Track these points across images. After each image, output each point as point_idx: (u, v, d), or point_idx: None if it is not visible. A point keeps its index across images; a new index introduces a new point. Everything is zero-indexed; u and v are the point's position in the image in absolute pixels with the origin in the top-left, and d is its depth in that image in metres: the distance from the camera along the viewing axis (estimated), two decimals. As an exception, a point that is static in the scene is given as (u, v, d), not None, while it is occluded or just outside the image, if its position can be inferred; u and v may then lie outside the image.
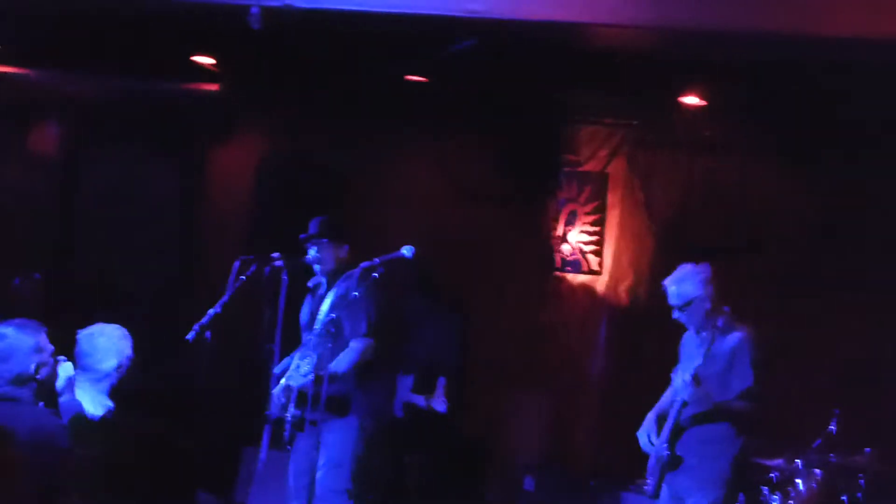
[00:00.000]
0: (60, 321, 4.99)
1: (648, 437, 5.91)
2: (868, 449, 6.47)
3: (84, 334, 5.08)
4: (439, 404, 7.58)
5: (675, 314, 5.85)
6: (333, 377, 5.73)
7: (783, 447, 7.24)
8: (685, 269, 5.85)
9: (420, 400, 7.74)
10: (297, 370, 5.98)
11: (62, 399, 4.61)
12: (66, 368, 4.72)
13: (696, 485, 5.68)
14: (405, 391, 7.96)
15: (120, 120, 9.15)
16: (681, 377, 5.75)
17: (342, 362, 5.95)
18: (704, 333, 5.78)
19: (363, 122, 9.23)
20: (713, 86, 8.08)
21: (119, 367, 5.03)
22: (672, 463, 5.74)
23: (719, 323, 5.74)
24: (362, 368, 6.09)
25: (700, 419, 5.72)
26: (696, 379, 5.63)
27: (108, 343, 5.05)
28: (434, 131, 9.46)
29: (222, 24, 6.90)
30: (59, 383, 4.63)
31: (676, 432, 5.77)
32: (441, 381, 7.89)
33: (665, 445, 5.77)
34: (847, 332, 8.16)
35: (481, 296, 9.47)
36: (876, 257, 8.01)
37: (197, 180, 9.27)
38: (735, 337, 5.75)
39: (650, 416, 6.02)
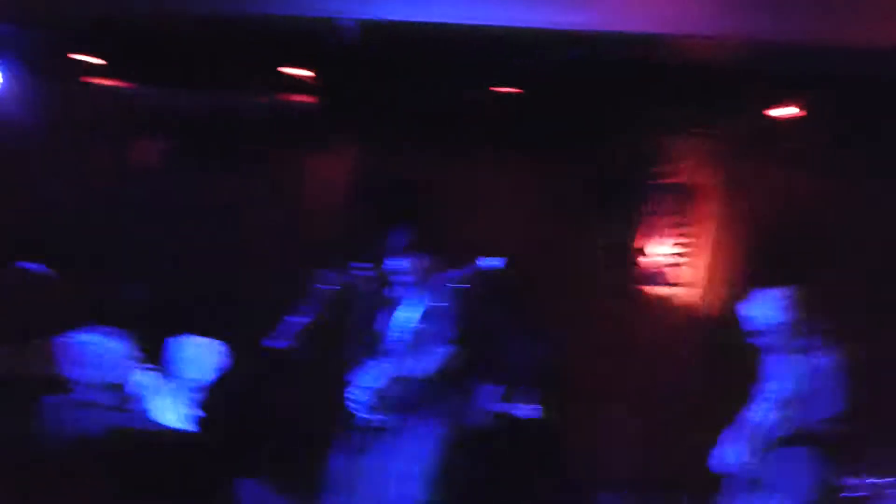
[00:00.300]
0: (148, 330, 5.05)
1: (730, 456, 5.83)
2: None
3: (174, 343, 5.05)
4: (524, 411, 7.58)
5: (757, 339, 5.79)
6: (415, 383, 5.76)
7: (874, 465, 7.14)
8: (767, 294, 5.79)
9: (508, 408, 7.75)
10: (376, 378, 6.01)
11: (143, 407, 4.58)
12: (149, 378, 4.70)
13: None
14: (492, 401, 7.98)
15: (215, 133, 9.33)
16: (765, 401, 5.69)
17: (425, 369, 5.98)
18: (791, 356, 5.72)
19: (454, 133, 9.29)
20: (804, 98, 8.00)
21: (205, 379, 4.97)
22: (752, 485, 5.67)
23: (805, 345, 5.67)
24: (443, 377, 6.11)
25: (783, 442, 5.67)
26: (782, 404, 5.58)
27: (197, 354, 5.03)
28: (522, 143, 9.48)
29: (318, 36, 7.00)
30: (143, 392, 4.61)
31: (758, 454, 5.71)
32: (525, 391, 7.90)
33: (747, 467, 5.69)
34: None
35: (566, 309, 9.45)
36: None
37: (287, 191, 9.38)
38: (823, 360, 5.66)
39: (733, 435, 5.94)
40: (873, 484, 6.72)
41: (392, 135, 9.35)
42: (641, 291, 9.29)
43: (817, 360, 5.65)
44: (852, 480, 6.80)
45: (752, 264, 8.71)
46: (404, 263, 6.33)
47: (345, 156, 9.73)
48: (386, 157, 9.56)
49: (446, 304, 5.94)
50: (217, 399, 5.16)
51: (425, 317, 5.93)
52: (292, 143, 9.56)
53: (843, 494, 6.98)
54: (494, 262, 5.81)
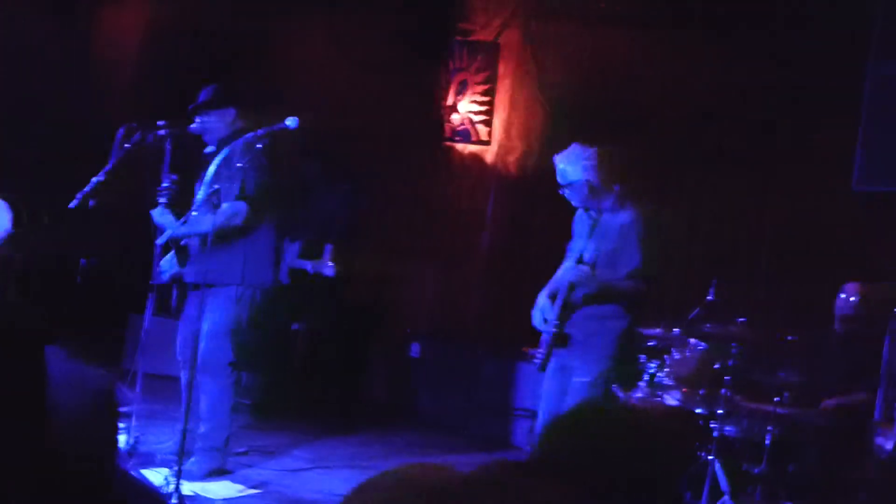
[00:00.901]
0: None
1: (543, 314, 5.99)
2: (741, 319, 6.66)
3: None
4: (327, 269, 7.59)
5: (562, 191, 5.91)
6: (193, 235, 5.67)
7: (662, 317, 7.48)
8: (572, 150, 5.87)
9: (307, 265, 7.74)
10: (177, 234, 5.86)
11: None
12: None
13: (582, 360, 5.80)
14: (292, 257, 7.97)
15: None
16: (569, 259, 5.83)
17: (206, 222, 5.75)
18: (592, 213, 5.85)
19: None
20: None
21: None
22: (560, 340, 5.83)
23: (605, 204, 5.81)
24: (238, 235, 5.98)
25: (588, 300, 5.81)
26: (580, 262, 5.72)
27: None
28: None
29: None
30: None
31: (565, 310, 5.84)
32: (328, 247, 7.91)
33: (555, 323, 5.85)
34: (725, 205, 8.36)
35: (371, 164, 9.47)
36: (760, 131, 8.15)
37: (84, 44, 8.96)
38: (622, 217, 5.79)
39: (543, 294, 6.06)
40: (663, 330, 7.07)
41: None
42: (447, 147, 9.33)
43: (619, 218, 5.78)
44: (644, 328, 7.13)
45: (557, 120, 8.84)
46: (203, 122, 6.12)
47: (143, 9, 9.31)
48: (185, 11, 9.22)
49: (242, 164, 5.75)
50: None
51: (221, 176, 5.73)
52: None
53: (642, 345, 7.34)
54: (291, 121, 5.60)
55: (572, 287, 5.80)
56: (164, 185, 5.79)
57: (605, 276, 5.78)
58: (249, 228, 6.02)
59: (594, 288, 5.75)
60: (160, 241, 5.87)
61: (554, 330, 5.82)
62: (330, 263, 7.60)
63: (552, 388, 5.92)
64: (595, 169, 5.78)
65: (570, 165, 5.81)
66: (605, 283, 5.74)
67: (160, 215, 5.75)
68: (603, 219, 5.79)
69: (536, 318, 6.00)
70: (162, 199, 5.81)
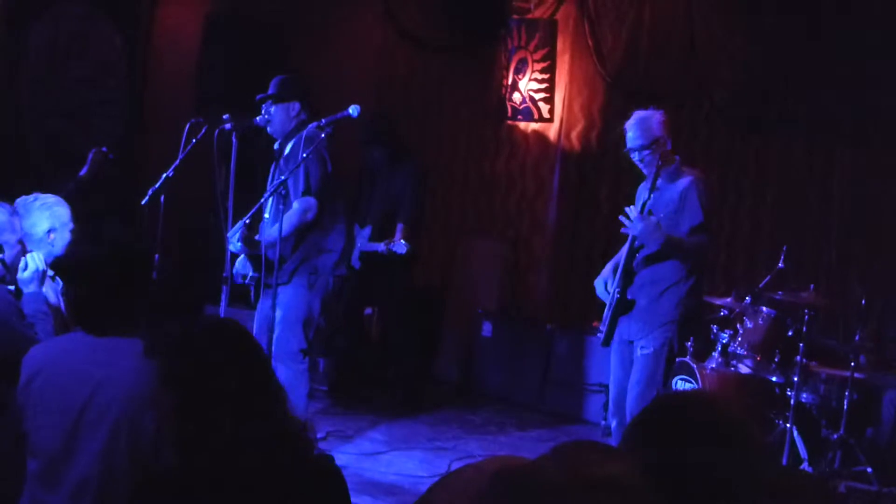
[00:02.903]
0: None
1: (605, 284, 5.96)
2: (812, 285, 6.64)
3: (19, 201, 4.82)
4: (399, 247, 7.62)
5: (636, 156, 5.81)
6: (278, 240, 5.71)
7: (733, 286, 7.46)
8: (640, 114, 5.84)
9: (380, 247, 7.80)
10: (231, 237, 5.94)
11: (27, 290, 4.38)
12: (36, 259, 4.53)
13: (645, 327, 5.75)
14: (363, 242, 8.04)
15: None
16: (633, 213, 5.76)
17: (286, 224, 5.89)
18: (657, 181, 5.82)
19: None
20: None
21: (51, 231, 4.76)
22: (622, 306, 5.79)
23: (670, 168, 5.80)
24: (307, 227, 6.08)
25: (650, 260, 5.74)
26: (644, 211, 5.64)
27: (41, 208, 4.78)
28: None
29: None
30: (25, 274, 4.41)
31: (628, 275, 5.79)
32: (400, 226, 7.97)
33: (617, 290, 5.82)
34: (791, 171, 8.30)
35: (435, 145, 9.53)
36: (818, 95, 8.07)
37: (144, 42, 9.09)
38: (684, 181, 5.74)
39: (608, 266, 6.05)
40: (733, 299, 7.05)
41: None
42: (509, 126, 9.34)
43: (681, 182, 5.74)
44: (715, 298, 7.11)
45: (617, 93, 8.82)
46: (267, 114, 6.20)
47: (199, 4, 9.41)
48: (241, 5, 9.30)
49: (308, 156, 5.81)
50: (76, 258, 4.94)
51: (288, 169, 5.80)
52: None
53: (706, 311, 7.31)
54: (353, 109, 5.64)
55: (633, 250, 5.75)
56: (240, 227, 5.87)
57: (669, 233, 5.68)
58: (321, 220, 6.12)
59: (658, 239, 5.59)
60: (235, 249, 5.97)
61: (617, 296, 5.79)
62: (402, 241, 7.64)
63: (618, 361, 5.90)
64: (663, 129, 5.75)
65: (640, 128, 5.77)
66: (669, 235, 5.61)
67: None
68: (663, 185, 5.75)
69: (599, 288, 5.99)
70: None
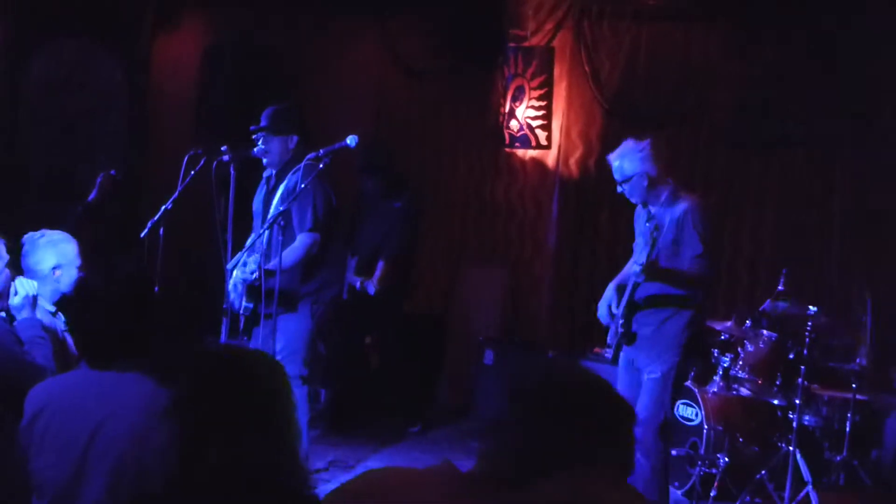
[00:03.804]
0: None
1: (609, 307, 5.99)
2: (813, 307, 6.63)
3: (26, 237, 4.82)
4: (369, 287, 7.66)
5: (619, 188, 5.91)
6: (281, 272, 5.72)
7: (734, 310, 7.46)
8: (626, 145, 5.88)
9: (356, 282, 7.83)
10: (244, 265, 5.95)
11: (20, 317, 4.38)
12: (25, 284, 4.53)
13: (651, 356, 5.81)
14: (350, 273, 8.05)
15: (60, 9, 8.94)
16: (633, 262, 5.82)
17: (288, 257, 5.90)
18: (650, 207, 5.82)
19: (303, 3, 9.13)
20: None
21: (57, 268, 4.75)
22: (627, 338, 5.86)
23: (663, 196, 5.83)
24: (309, 261, 6.12)
25: (653, 301, 5.82)
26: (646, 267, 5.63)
27: (47, 245, 4.77)
28: (377, 9, 9.39)
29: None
30: (16, 300, 4.42)
31: (632, 308, 5.86)
32: (380, 264, 7.94)
33: (621, 322, 5.86)
34: (791, 192, 8.32)
35: (434, 173, 9.55)
36: (818, 114, 8.11)
37: (144, 74, 9.12)
38: (681, 207, 5.76)
39: (610, 287, 6.08)
40: (734, 323, 7.04)
41: (244, 10, 9.13)
42: (507, 154, 9.36)
43: (676, 209, 5.75)
44: (715, 322, 7.11)
45: (615, 119, 8.85)
46: (264, 145, 6.21)
47: (199, 35, 9.44)
48: (240, 36, 9.33)
49: (308, 187, 5.81)
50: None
51: (288, 200, 5.82)
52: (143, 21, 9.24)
53: (706, 335, 7.31)
54: (351, 140, 5.65)
55: (637, 286, 5.80)
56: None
57: (668, 265, 5.75)
58: (325, 252, 6.15)
59: (660, 279, 5.71)
60: (245, 277, 5.97)
61: (621, 329, 5.85)
62: (372, 282, 7.66)
63: (625, 384, 5.93)
64: (651, 160, 5.78)
65: (627, 159, 5.80)
66: (670, 270, 5.71)
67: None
68: (658, 213, 5.76)
69: (602, 310, 6.03)
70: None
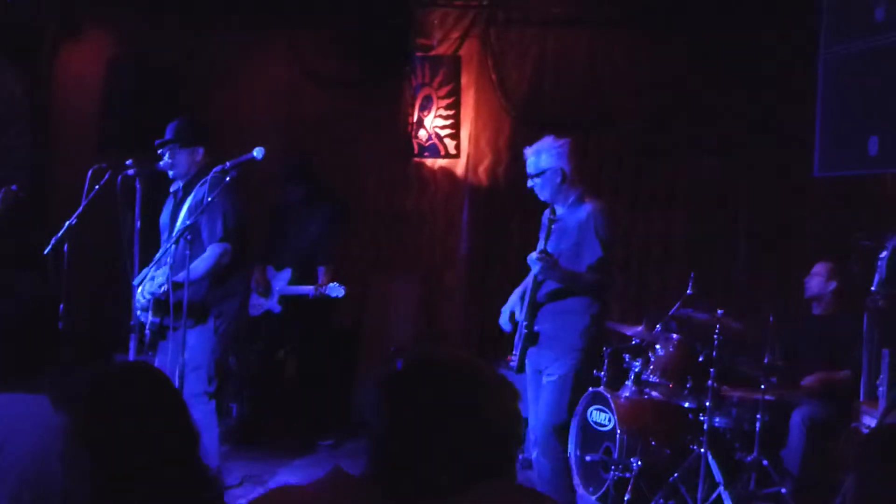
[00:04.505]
0: None
1: (512, 314, 5.99)
2: (721, 310, 6.72)
3: None
4: (333, 289, 7.57)
5: (530, 182, 5.85)
6: (190, 283, 5.65)
7: (644, 314, 7.54)
8: (546, 140, 5.87)
9: (308, 290, 7.73)
10: (153, 279, 5.88)
11: None
12: None
13: (552, 357, 5.79)
14: (282, 284, 7.97)
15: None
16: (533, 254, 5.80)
17: (199, 267, 5.86)
18: (556, 206, 5.83)
19: (209, 16, 9.03)
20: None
21: None
22: (530, 338, 5.83)
23: (571, 198, 5.83)
24: (219, 272, 6.05)
25: (553, 292, 5.79)
26: (547, 245, 5.68)
27: None
28: (284, 20, 9.32)
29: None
30: None
31: (533, 308, 5.85)
32: (321, 270, 7.92)
33: (525, 324, 5.85)
34: (699, 196, 8.44)
35: (344, 184, 9.49)
36: (723, 120, 8.25)
37: (46, 88, 8.95)
38: (584, 211, 5.76)
39: (515, 294, 6.10)
40: (644, 328, 7.12)
41: (148, 24, 9.00)
42: (416, 164, 9.35)
43: (581, 211, 5.72)
44: (626, 327, 7.18)
45: (523, 127, 8.89)
46: (170, 159, 6.14)
47: (101, 49, 9.29)
48: (144, 49, 9.19)
49: (215, 199, 5.74)
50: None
51: (196, 213, 5.74)
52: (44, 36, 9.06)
53: (617, 340, 7.38)
54: (258, 152, 5.59)
55: (537, 284, 5.79)
56: None
57: (568, 268, 5.72)
58: (233, 263, 6.09)
59: (557, 276, 5.70)
60: (153, 291, 5.87)
61: (524, 331, 5.83)
62: (335, 284, 7.59)
63: (532, 392, 5.93)
64: (568, 157, 5.79)
65: (544, 153, 5.78)
66: (569, 271, 5.68)
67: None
68: (564, 215, 5.78)
69: (503, 317, 6.03)
70: None
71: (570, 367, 5.76)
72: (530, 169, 5.86)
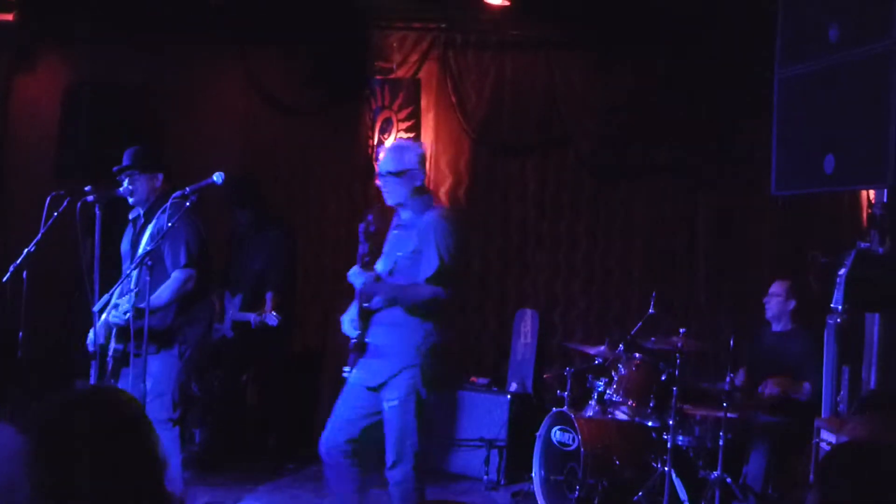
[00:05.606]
0: None
1: (351, 322, 5.62)
2: (682, 329, 6.77)
3: None
4: (271, 318, 7.57)
5: (382, 180, 5.62)
6: (154, 310, 5.62)
7: (606, 334, 7.59)
8: (407, 141, 5.78)
9: (251, 317, 7.74)
10: (116, 306, 5.84)
11: None
12: None
13: (383, 369, 5.45)
14: (234, 310, 7.96)
15: None
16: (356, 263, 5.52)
17: (163, 295, 5.86)
18: (403, 212, 5.63)
19: (165, 43, 8.99)
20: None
21: None
22: (359, 348, 5.53)
23: (420, 203, 5.57)
24: (184, 298, 6.04)
25: (387, 303, 5.52)
26: (364, 266, 5.45)
27: None
28: (241, 46, 9.30)
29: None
30: None
31: (364, 317, 5.54)
32: (269, 296, 7.92)
33: (356, 333, 5.54)
34: (658, 217, 8.51)
35: (304, 209, 9.47)
36: (679, 141, 8.32)
37: (1, 115, 8.87)
38: (427, 219, 5.51)
39: (354, 303, 5.67)
40: (607, 348, 7.15)
41: (103, 49, 8.95)
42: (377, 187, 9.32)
43: (425, 218, 5.49)
44: (589, 347, 7.21)
45: (483, 148, 8.93)
46: (129, 185, 6.10)
47: (57, 75, 9.22)
48: (100, 75, 9.13)
49: (176, 225, 5.68)
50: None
51: (157, 239, 5.69)
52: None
53: (581, 360, 7.41)
54: (217, 177, 5.53)
55: (365, 296, 5.52)
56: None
57: (401, 281, 5.49)
58: (197, 289, 6.07)
59: (385, 293, 5.46)
60: (115, 318, 5.83)
61: (355, 340, 5.54)
62: (273, 313, 7.59)
63: (347, 398, 5.63)
64: (424, 163, 5.63)
65: (408, 152, 5.61)
66: (398, 287, 5.46)
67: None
68: (411, 220, 5.57)
69: (345, 325, 5.67)
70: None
71: (409, 387, 5.40)
72: (389, 166, 5.58)
